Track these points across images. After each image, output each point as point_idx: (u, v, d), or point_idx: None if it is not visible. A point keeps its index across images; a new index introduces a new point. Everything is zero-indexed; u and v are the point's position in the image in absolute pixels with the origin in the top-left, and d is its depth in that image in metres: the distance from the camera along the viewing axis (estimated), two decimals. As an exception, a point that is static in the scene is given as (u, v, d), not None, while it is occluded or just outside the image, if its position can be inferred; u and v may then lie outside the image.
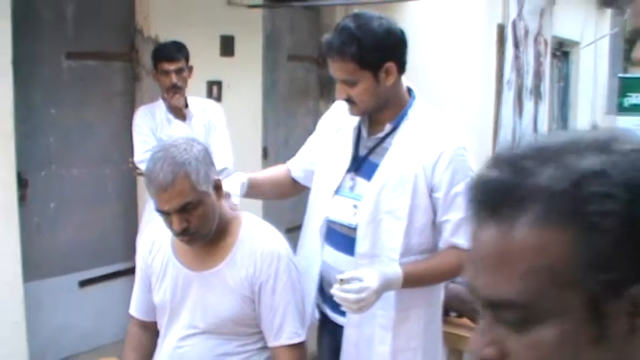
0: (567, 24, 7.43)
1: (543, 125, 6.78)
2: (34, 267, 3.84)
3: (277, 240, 2.18)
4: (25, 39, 3.73)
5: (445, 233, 2.26)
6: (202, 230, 2.05)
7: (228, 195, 2.25)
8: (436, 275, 2.29)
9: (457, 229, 2.23)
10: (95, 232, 4.29)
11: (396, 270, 2.17)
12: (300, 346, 2.17)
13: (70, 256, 4.19)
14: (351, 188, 2.33)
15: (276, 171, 2.66)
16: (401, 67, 2.25)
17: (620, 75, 8.99)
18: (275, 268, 2.11)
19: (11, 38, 3.42)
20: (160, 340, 2.25)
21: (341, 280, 2.09)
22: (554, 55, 7.51)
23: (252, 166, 5.01)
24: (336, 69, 2.20)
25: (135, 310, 2.34)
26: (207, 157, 2.06)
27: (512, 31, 5.71)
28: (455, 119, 5.11)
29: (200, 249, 2.13)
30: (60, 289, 4.14)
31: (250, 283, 2.10)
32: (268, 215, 4.98)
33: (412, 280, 2.19)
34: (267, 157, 5.37)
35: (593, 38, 7.97)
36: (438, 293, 2.43)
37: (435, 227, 2.29)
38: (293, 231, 2.46)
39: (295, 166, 2.62)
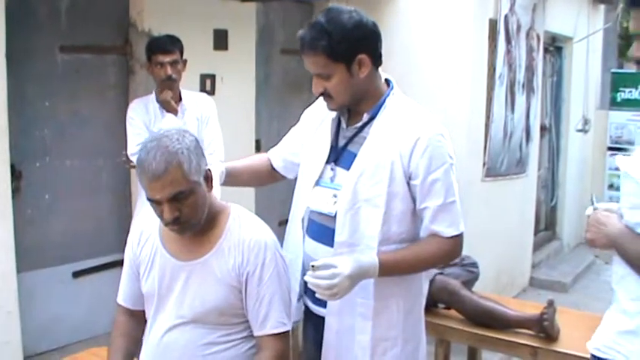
0: (560, 19, 7.45)
1: (535, 119, 6.80)
2: (28, 258, 3.89)
3: (264, 231, 2.21)
4: (19, 33, 3.76)
5: (425, 221, 2.28)
6: (193, 220, 2.08)
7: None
8: (415, 263, 2.30)
9: (437, 217, 2.26)
10: (89, 223, 4.34)
11: (371, 258, 2.20)
12: (285, 335, 2.20)
13: (63, 247, 4.24)
14: (332, 179, 2.36)
15: (255, 160, 2.69)
16: (375, 60, 2.28)
17: (613, 70, 9.02)
18: (262, 258, 2.14)
19: (5, 32, 3.46)
20: (147, 330, 2.28)
21: (312, 266, 2.13)
22: (546, 50, 7.53)
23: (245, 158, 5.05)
24: (309, 63, 2.25)
25: (122, 299, 2.36)
26: (198, 148, 2.08)
27: (504, 26, 5.72)
28: (447, 113, 5.18)
29: (188, 239, 2.16)
30: (54, 279, 4.19)
31: (237, 273, 2.13)
32: (260, 208, 5.03)
33: (389, 269, 2.22)
34: (260, 149, 5.39)
35: (586, 33, 7.99)
36: (419, 283, 2.44)
37: (416, 215, 2.31)
38: (285, 224, 2.49)
39: (276, 157, 2.65)
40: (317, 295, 2.17)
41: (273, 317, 2.17)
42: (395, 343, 2.36)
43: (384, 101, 2.33)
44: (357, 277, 2.15)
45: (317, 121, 2.49)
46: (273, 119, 5.64)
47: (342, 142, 2.38)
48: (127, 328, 2.34)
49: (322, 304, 2.34)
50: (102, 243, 4.39)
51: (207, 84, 4.77)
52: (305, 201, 2.42)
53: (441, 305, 3.68)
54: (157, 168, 1.97)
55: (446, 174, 2.26)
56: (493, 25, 5.71)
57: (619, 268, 2.08)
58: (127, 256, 2.32)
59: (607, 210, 2.20)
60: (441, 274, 3.64)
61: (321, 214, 2.36)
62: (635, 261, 1.98)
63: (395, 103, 2.34)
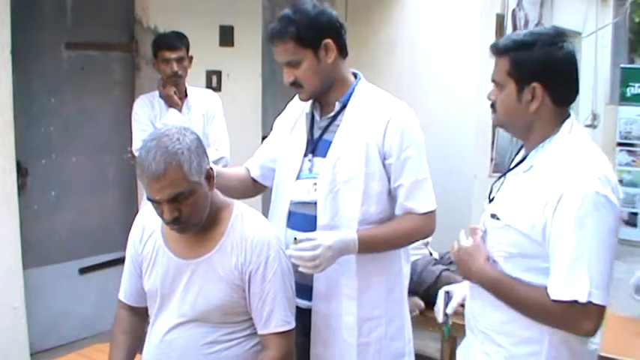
0: (569, 14, 7.41)
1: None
2: (34, 254, 3.90)
3: (267, 228, 2.20)
4: (25, 30, 3.77)
5: (400, 198, 2.38)
6: (193, 220, 2.07)
7: None
8: (392, 239, 2.40)
9: (410, 193, 2.37)
10: (95, 219, 4.35)
11: (351, 234, 2.29)
12: (289, 334, 2.19)
13: (70, 244, 4.25)
14: (310, 169, 2.44)
15: (238, 170, 2.71)
16: (341, 48, 2.39)
17: (623, 65, 8.96)
18: (265, 256, 2.13)
19: (11, 29, 3.46)
20: (149, 328, 2.27)
21: (295, 239, 2.19)
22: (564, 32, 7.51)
23: (252, 154, 5.04)
24: (279, 52, 2.36)
25: (124, 295, 2.36)
26: (199, 147, 2.06)
27: (511, 21, 5.70)
28: (454, 109, 5.15)
29: (191, 237, 2.14)
30: (60, 276, 4.20)
31: (240, 272, 2.12)
32: (267, 207, 5.02)
33: (368, 243, 2.32)
34: (267, 146, 5.39)
35: (595, 28, 7.94)
36: (399, 262, 2.50)
37: (392, 196, 2.40)
38: None
39: (253, 166, 2.69)
40: (300, 269, 2.21)
41: (277, 316, 2.16)
42: (379, 322, 2.44)
43: (354, 89, 2.44)
44: (338, 249, 2.24)
45: (290, 123, 2.57)
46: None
47: (317, 133, 2.47)
48: (129, 325, 2.34)
49: (305, 296, 2.39)
50: (108, 239, 4.40)
51: (214, 80, 4.78)
52: (287, 194, 2.47)
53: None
54: (156, 169, 1.95)
55: (417, 151, 2.38)
56: (500, 20, 5.69)
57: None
58: (129, 253, 2.31)
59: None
60: (447, 270, 3.63)
61: (302, 203, 2.42)
62: (522, 305, 1.91)
63: (363, 90, 2.45)
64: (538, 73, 1.92)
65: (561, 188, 1.82)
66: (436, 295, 3.42)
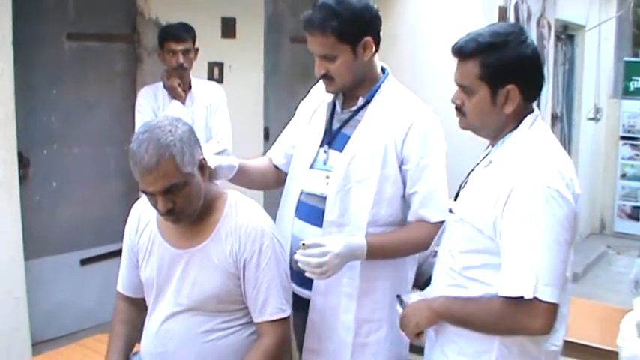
0: (572, 7, 7.39)
1: (547, 108, 6.77)
2: (35, 245, 3.90)
3: (261, 216, 2.21)
4: (26, 20, 3.77)
5: (413, 206, 2.32)
6: (187, 210, 2.08)
7: (217, 170, 2.29)
8: (402, 248, 2.34)
9: (425, 202, 2.30)
10: (97, 210, 4.35)
11: (360, 239, 2.24)
12: (285, 321, 2.20)
13: (71, 235, 4.26)
14: (325, 161, 2.39)
15: (261, 161, 2.67)
16: (377, 43, 2.31)
17: (626, 59, 8.95)
18: (259, 244, 2.14)
19: (12, 19, 3.46)
20: (147, 317, 2.28)
21: (303, 244, 2.15)
22: (558, 39, 7.48)
23: (254, 146, 5.05)
24: (316, 44, 2.26)
25: (122, 286, 2.37)
26: (191, 138, 2.06)
27: (514, 14, 5.69)
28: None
29: (185, 226, 2.15)
30: (61, 266, 4.21)
31: (235, 260, 2.13)
32: (269, 203, 5.02)
33: (377, 251, 2.26)
34: (269, 138, 5.39)
35: (598, 22, 7.93)
36: (406, 267, 2.45)
37: (405, 200, 2.34)
38: None
39: (276, 154, 2.65)
40: (306, 274, 2.18)
41: (272, 303, 2.16)
42: (380, 325, 2.39)
43: (380, 86, 2.37)
44: (345, 256, 2.19)
45: (311, 110, 2.52)
46: (282, 107, 5.63)
47: (336, 125, 2.41)
48: (127, 315, 2.35)
49: (307, 286, 2.37)
50: (109, 230, 4.40)
51: (215, 72, 4.77)
52: (299, 183, 2.44)
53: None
54: (148, 162, 1.95)
55: (437, 161, 2.31)
56: (503, 12, 5.68)
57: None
58: (126, 244, 2.32)
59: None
60: (435, 255, 3.62)
61: (313, 195, 2.38)
62: (477, 318, 1.90)
63: (390, 88, 2.38)
64: (512, 75, 1.87)
65: (512, 183, 1.80)
66: (423, 276, 3.43)
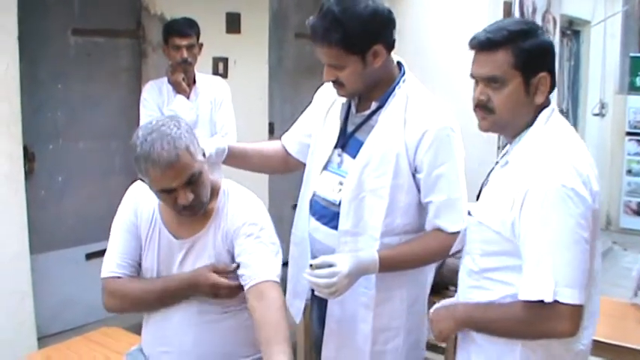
0: (577, 2, 7.38)
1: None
2: (41, 239, 3.91)
3: (250, 204, 2.22)
4: (31, 16, 3.77)
5: (429, 215, 2.25)
6: (205, 198, 2.12)
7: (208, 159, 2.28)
8: (416, 260, 2.28)
9: (439, 212, 2.22)
10: (102, 205, 4.34)
11: (371, 255, 2.18)
12: (277, 284, 2.13)
13: (76, 229, 4.27)
14: (339, 164, 2.34)
15: (268, 145, 2.65)
16: (389, 47, 2.21)
17: (632, 54, 8.92)
18: (249, 231, 2.15)
19: (18, 15, 3.46)
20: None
21: (311, 265, 2.10)
22: (564, 34, 7.47)
23: (259, 141, 5.04)
24: (321, 54, 2.17)
25: (120, 266, 2.23)
26: (191, 130, 2.10)
27: (519, 9, 5.68)
28: (460, 97, 5.12)
29: (184, 217, 2.17)
30: (67, 261, 4.22)
31: (228, 245, 2.16)
32: (274, 192, 5.03)
33: (390, 265, 2.20)
34: (274, 132, 5.40)
35: (604, 17, 7.91)
36: (424, 275, 2.43)
37: (422, 207, 2.28)
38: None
39: (289, 141, 2.62)
40: (316, 293, 2.15)
41: (271, 268, 2.12)
42: (397, 333, 2.36)
43: (394, 89, 2.27)
44: (356, 274, 2.14)
45: (328, 102, 2.44)
46: (287, 102, 5.64)
47: (350, 129, 2.34)
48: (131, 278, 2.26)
49: None
50: (115, 225, 4.40)
51: (220, 67, 4.77)
52: (312, 184, 2.41)
53: (452, 288, 3.66)
54: (168, 156, 1.97)
55: (451, 169, 2.21)
56: (508, 7, 5.67)
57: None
58: (125, 226, 2.25)
59: (324, 264, 2.11)
60: (452, 256, 3.62)
61: (326, 200, 2.35)
62: (501, 324, 1.86)
63: (405, 91, 2.26)
64: (545, 62, 1.85)
65: (527, 183, 1.77)
66: (442, 281, 3.43)
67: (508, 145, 1.99)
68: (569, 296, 1.72)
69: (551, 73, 1.87)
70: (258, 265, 2.11)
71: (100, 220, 4.34)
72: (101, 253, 4.28)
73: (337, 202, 2.30)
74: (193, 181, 2.04)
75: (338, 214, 2.29)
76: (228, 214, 2.18)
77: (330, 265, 2.10)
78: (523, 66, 1.84)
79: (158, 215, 2.23)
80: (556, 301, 1.71)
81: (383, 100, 2.27)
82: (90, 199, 4.32)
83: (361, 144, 2.27)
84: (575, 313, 1.74)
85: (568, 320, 1.74)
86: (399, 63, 2.34)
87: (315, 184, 2.39)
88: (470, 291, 1.99)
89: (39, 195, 4.00)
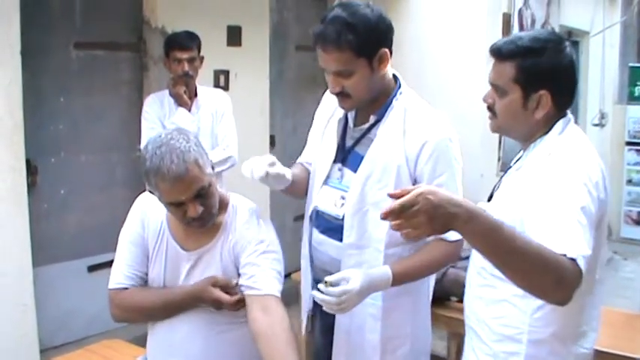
0: (576, 13, 7.41)
1: (569, 114, 6.78)
2: (43, 252, 3.92)
3: (260, 221, 2.25)
4: (34, 30, 3.80)
5: None
6: (213, 211, 2.14)
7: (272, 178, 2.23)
8: (424, 271, 2.29)
9: None
10: (104, 217, 4.36)
11: (384, 271, 2.17)
12: (277, 299, 2.15)
13: (79, 242, 4.28)
14: (339, 179, 2.35)
15: (300, 170, 2.56)
16: (391, 53, 2.23)
17: (631, 64, 8.95)
18: (255, 245, 2.18)
19: (20, 28, 3.49)
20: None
21: (326, 282, 2.07)
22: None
23: (260, 154, 5.00)
24: (330, 60, 2.16)
25: (126, 278, 2.27)
26: (199, 143, 2.11)
27: (518, 20, 5.71)
28: (460, 107, 5.16)
29: (193, 229, 2.18)
30: (69, 273, 4.23)
31: (234, 257, 2.19)
32: (275, 205, 5.04)
33: (401, 280, 2.20)
34: (275, 145, 5.42)
35: (603, 27, 7.94)
36: (427, 282, 2.44)
37: None
38: (300, 219, 2.46)
39: (305, 161, 2.61)
40: (324, 308, 2.12)
41: (275, 283, 2.15)
42: (405, 340, 2.37)
43: (391, 101, 2.28)
44: (367, 292, 2.12)
45: (326, 117, 2.46)
46: (288, 115, 5.66)
47: (349, 143, 2.35)
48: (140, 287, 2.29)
49: None
50: (116, 237, 4.36)
51: (221, 80, 4.81)
52: (314, 199, 2.42)
53: (453, 299, 3.67)
54: (177, 170, 1.99)
55: (450, 179, 2.22)
56: (507, 18, 5.70)
57: (483, 311, 1.91)
58: (131, 238, 2.27)
59: (339, 280, 2.04)
60: (454, 267, 3.63)
61: (329, 215, 2.36)
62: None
63: (402, 103, 2.28)
64: (546, 81, 1.88)
65: (544, 183, 1.79)
66: (444, 292, 3.43)
67: (522, 151, 2.04)
68: (584, 265, 1.63)
69: (555, 92, 1.89)
70: (263, 278, 2.14)
71: (102, 232, 4.37)
72: (103, 266, 4.37)
73: (340, 217, 2.31)
74: (203, 194, 2.06)
75: (342, 226, 2.30)
76: (237, 229, 2.19)
77: (343, 281, 2.08)
78: (523, 81, 1.89)
79: (166, 226, 2.24)
80: (573, 261, 1.61)
81: (381, 114, 2.28)
82: (92, 212, 4.34)
83: (362, 158, 2.28)
84: (578, 281, 1.63)
85: (571, 284, 1.63)
86: (394, 76, 2.35)
87: (316, 198, 2.40)
88: (479, 289, 2.02)
89: (41, 208, 4.02)
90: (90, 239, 4.33)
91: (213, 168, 2.16)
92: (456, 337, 3.75)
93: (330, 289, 2.04)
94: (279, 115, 5.54)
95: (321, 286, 2.05)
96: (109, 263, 4.30)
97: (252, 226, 2.21)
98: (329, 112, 2.44)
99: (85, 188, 4.30)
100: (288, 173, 2.29)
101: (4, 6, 3.39)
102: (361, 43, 2.11)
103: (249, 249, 2.18)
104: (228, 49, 4.84)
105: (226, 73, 4.84)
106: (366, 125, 2.31)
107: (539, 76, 1.88)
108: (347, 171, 2.33)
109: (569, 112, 1.99)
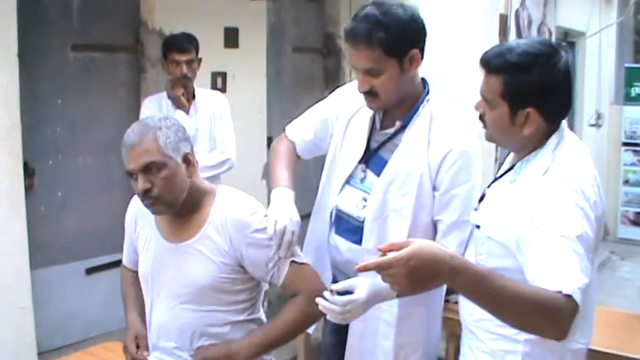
0: (572, 14, 7.43)
1: (563, 124, 6.80)
2: (41, 254, 3.92)
3: (244, 207, 2.20)
4: (31, 32, 3.79)
5: (438, 233, 2.26)
6: (166, 196, 2.11)
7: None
8: None
9: (448, 232, 2.24)
10: (102, 220, 4.36)
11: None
12: (306, 268, 2.23)
13: (77, 244, 4.27)
14: (362, 180, 2.34)
15: (292, 159, 2.51)
16: (422, 55, 2.23)
17: (627, 65, 8.97)
18: (247, 235, 2.15)
19: (17, 30, 3.48)
20: (147, 312, 2.33)
21: (331, 290, 2.04)
22: (559, 46, 7.53)
23: (257, 155, 5.08)
24: (360, 58, 2.15)
25: (126, 262, 2.51)
26: (180, 132, 2.14)
27: (514, 21, 5.73)
28: (457, 109, 5.15)
29: (177, 221, 2.21)
30: (67, 276, 4.22)
31: (231, 252, 2.16)
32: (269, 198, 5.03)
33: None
34: (272, 147, 5.41)
35: (599, 28, 7.96)
36: (440, 291, 2.44)
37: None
38: (301, 219, 2.44)
39: (302, 143, 2.54)
40: (327, 317, 2.09)
41: (285, 265, 2.19)
42: (416, 347, 2.38)
43: (418, 108, 2.27)
44: (373, 302, 2.10)
45: (351, 110, 2.41)
46: (285, 117, 5.61)
47: (373, 145, 2.34)
48: (135, 279, 2.42)
49: None
50: (115, 240, 4.36)
51: (219, 81, 4.80)
52: (334, 198, 2.40)
53: (452, 298, 3.66)
54: (132, 138, 2.07)
55: (468, 192, 2.22)
56: (504, 20, 5.71)
57: (478, 310, 1.81)
58: (127, 231, 2.41)
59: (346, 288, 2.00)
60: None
61: (349, 215, 2.35)
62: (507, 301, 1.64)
63: (429, 110, 2.27)
64: (534, 99, 1.83)
65: (534, 212, 1.77)
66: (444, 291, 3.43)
67: (513, 159, 2.02)
68: (579, 298, 1.64)
69: (544, 109, 1.85)
70: (275, 271, 2.19)
71: (100, 235, 4.38)
72: (102, 268, 4.38)
73: (362, 219, 2.30)
74: (152, 171, 2.06)
75: (361, 229, 2.30)
76: (225, 225, 2.16)
77: (350, 290, 2.04)
78: (509, 98, 1.85)
79: (153, 220, 2.27)
80: (569, 297, 1.61)
81: (407, 120, 2.27)
82: (90, 214, 4.33)
83: (385, 162, 2.28)
84: (573, 316, 1.65)
85: (567, 320, 1.64)
86: (423, 79, 2.34)
87: (337, 197, 2.39)
88: (470, 303, 2.01)
89: (39, 210, 4.01)
90: (88, 242, 4.32)
91: (189, 162, 2.16)
92: (454, 337, 3.76)
93: (336, 297, 1.99)
94: (276, 115, 5.54)
95: (326, 294, 2.00)
96: (107, 265, 4.41)
97: (243, 215, 2.17)
98: (353, 108, 2.40)
99: (83, 190, 4.29)
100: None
101: (1, 8, 3.38)
102: (392, 42, 2.11)
103: (249, 252, 2.16)
104: (226, 51, 4.84)
105: (224, 74, 4.84)
106: (392, 130, 2.30)
107: (526, 94, 1.83)
108: (370, 173, 2.33)
109: (563, 122, 1.95)
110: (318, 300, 2.02)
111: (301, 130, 2.56)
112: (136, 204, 2.33)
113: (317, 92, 5.83)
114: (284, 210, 2.18)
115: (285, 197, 2.26)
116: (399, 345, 2.35)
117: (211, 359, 2.17)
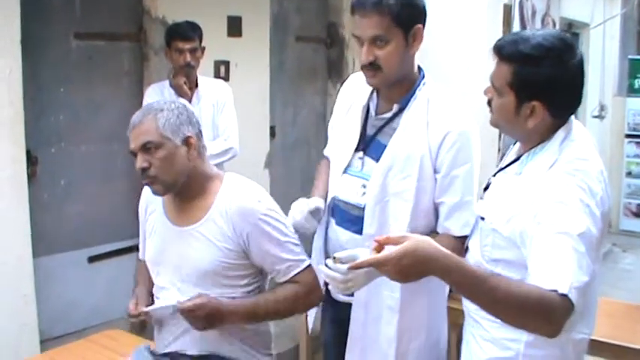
0: (576, 5, 7.40)
1: (572, 118, 6.78)
2: (44, 243, 3.92)
3: (252, 195, 2.23)
4: (34, 20, 3.79)
5: (440, 216, 2.27)
6: (163, 176, 2.15)
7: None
8: None
9: (450, 214, 2.25)
10: (104, 208, 4.37)
11: None
12: (307, 269, 2.26)
13: (79, 232, 4.28)
14: (360, 167, 2.34)
15: (326, 171, 2.57)
16: (423, 34, 2.25)
17: (631, 57, 8.94)
18: (252, 223, 2.17)
19: (20, 19, 3.48)
20: (154, 295, 2.36)
21: (334, 257, 2.02)
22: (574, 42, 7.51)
23: (260, 144, 5.08)
24: (368, 25, 2.17)
25: (143, 255, 2.49)
26: (183, 115, 2.19)
27: (518, 12, 5.70)
28: (460, 100, 5.14)
29: (183, 205, 2.24)
30: (70, 264, 4.22)
31: (235, 238, 2.18)
32: (275, 194, 5.02)
33: None
34: (275, 136, 5.41)
35: (603, 19, 7.93)
36: None
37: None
38: None
39: (330, 155, 2.59)
40: (330, 287, 2.15)
41: (287, 263, 2.24)
42: (419, 332, 2.38)
43: (415, 91, 2.29)
44: (375, 273, 2.02)
45: (345, 107, 2.46)
46: (288, 106, 5.65)
47: (371, 131, 2.35)
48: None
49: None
50: (117, 228, 4.42)
51: (222, 70, 4.79)
52: (333, 188, 2.41)
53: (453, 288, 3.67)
54: (135, 119, 2.17)
55: (468, 172, 2.23)
56: (508, 10, 5.68)
57: None
58: (141, 221, 2.46)
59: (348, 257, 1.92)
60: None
61: (350, 204, 2.35)
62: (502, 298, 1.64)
63: (426, 94, 2.29)
64: (541, 93, 1.82)
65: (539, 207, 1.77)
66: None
67: (516, 147, 2.02)
68: (576, 298, 1.64)
69: (551, 103, 1.84)
70: (277, 268, 2.24)
71: (102, 223, 4.38)
72: (104, 256, 4.38)
73: (362, 206, 2.30)
74: (150, 151, 2.12)
75: (360, 218, 2.30)
76: (230, 211, 2.18)
77: (353, 258, 2.03)
78: (517, 89, 1.85)
79: (160, 205, 2.32)
80: (564, 296, 1.62)
81: (404, 103, 2.29)
82: (92, 203, 4.33)
83: (384, 147, 2.28)
84: (568, 315, 1.65)
85: (560, 320, 1.65)
86: (418, 66, 2.36)
87: (336, 187, 2.39)
88: None
89: (42, 198, 4.01)
90: (90, 230, 4.33)
91: (190, 145, 2.18)
92: (456, 327, 3.75)
93: (339, 265, 1.97)
94: (279, 105, 5.53)
95: (329, 261, 1.99)
96: (110, 254, 4.42)
97: (245, 214, 2.18)
98: (349, 101, 2.44)
99: (86, 179, 4.29)
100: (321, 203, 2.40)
101: (5, -4, 3.38)
102: (400, 11, 2.15)
103: (253, 240, 2.18)
104: (229, 40, 4.83)
105: (227, 63, 4.83)
106: (389, 114, 2.31)
107: (533, 87, 1.82)
108: (368, 160, 2.33)
109: (572, 117, 1.94)
110: (321, 267, 2.02)
111: (328, 145, 2.63)
112: (147, 190, 2.34)
113: (320, 82, 5.83)
114: (298, 207, 2.34)
115: (308, 200, 2.38)
116: (402, 329, 2.35)
117: (197, 309, 2.16)
